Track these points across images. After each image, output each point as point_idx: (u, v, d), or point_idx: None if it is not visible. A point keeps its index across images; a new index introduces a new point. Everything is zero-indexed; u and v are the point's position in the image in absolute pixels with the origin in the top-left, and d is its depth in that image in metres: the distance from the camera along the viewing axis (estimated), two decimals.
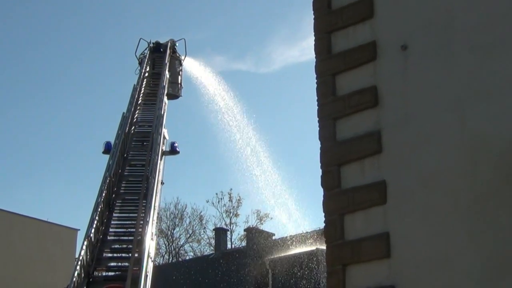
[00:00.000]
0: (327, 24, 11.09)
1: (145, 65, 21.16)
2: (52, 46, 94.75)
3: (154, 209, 15.42)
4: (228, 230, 52.80)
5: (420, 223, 9.30)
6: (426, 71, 9.87)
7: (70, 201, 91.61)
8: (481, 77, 9.22)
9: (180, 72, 22.46)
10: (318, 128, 10.76)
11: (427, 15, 10.08)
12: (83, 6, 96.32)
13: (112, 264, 15.10)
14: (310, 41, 11.65)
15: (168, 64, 21.11)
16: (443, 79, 9.60)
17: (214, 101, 24.38)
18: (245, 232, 45.57)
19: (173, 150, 17.75)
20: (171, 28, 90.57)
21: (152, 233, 14.71)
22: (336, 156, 10.38)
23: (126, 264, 14.12)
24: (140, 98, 19.47)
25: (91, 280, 13.74)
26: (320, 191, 10.71)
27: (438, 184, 9.23)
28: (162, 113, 18.04)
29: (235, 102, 26.00)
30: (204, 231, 59.47)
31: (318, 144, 10.75)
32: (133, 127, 17.97)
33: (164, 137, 17.50)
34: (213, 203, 57.21)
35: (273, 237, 39.93)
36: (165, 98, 19.46)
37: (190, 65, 23.94)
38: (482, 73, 9.24)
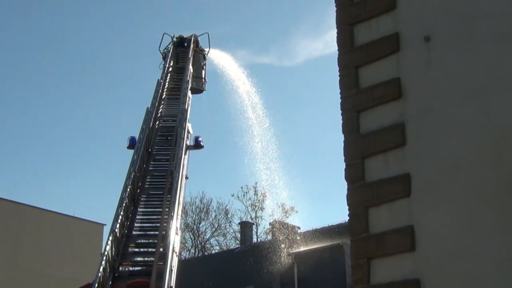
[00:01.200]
0: (349, 16, 11.09)
1: (169, 59, 21.22)
2: (74, 43, 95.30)
3: (178, 203, 15.46)
4: (253, 224, 52.95)
5: (445, 216, 9.29)
6: (449, 62, 9.83)
7: (96, 196, 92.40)
8: (505, 67, 9.18)
9: (204, 66, 22.52)
10: (341, 121, 10.77)
11: (450, 5, 10.04)
12: (107, 1, 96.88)
13: (137, 259, 15.16)
14: (334, 33, 11.66)
15: (192, 58, 21.18)
16: (467, 69, 9.58)
17: (237, 95, 24.39)
18: (271, 226, 45.67)
19: (197, 145, 17.79)
20: (194, 22, 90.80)
21: (177, 227, 14.76)
22: (359, 149, 10.37)
23: (151, 259, 14.19)
24: (164, 93, 19.54)
25: (116, 275, 13.82)
26: (345, 184, 10.74)
27: (463, 176, 9.22)
28: (186, 107, 18.10)
29: (258, 95, 26.00)
30: (229, 225, 59.74)
31: (342, 137, 10.76)
32: (158, 122, 18.05)
33: (188, 132, 17.55)
34: (238, 197, 57.43)
35: (299, 231, 39.97)
36: (189, 93, 19.52)
37: (214, 59, 23.95)
38: (506, 63, 9.20)
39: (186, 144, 16.98)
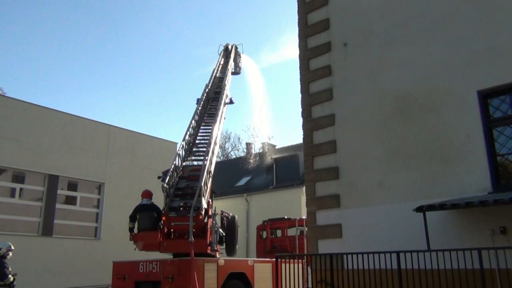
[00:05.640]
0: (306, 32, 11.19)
1: (220, 57, 21.38)
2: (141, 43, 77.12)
3: (219, 123, 15.17)
4: (252, 144, 46.86)
5: (352, 135, 9.57)
6: (357, 56, 9.79)
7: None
8: (389, 55, 9.33)
9: (240, 60, 22.45)
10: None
11: (358, 26, 10.01)
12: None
13: (194, 163, 14.82)
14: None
15: (233, 56, 21.30)
16: (366, 60, 9.64)
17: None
18: (262, 145, 42.43)
19: (231, 102, 17.99)
20: (235, 32, 79.05)
21: (216, 140, 14.33)
22: (308, 100, 10.62)
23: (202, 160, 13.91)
24: (217, 75, 19.67)
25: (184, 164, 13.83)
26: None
27: (364, 113, 9.45)
28: (226, 82, 18.24)
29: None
30: (240, 144, 53.04)
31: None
32: (212, 88, 18.09)
33: (227, 95, 17.66)
34: (245, 131, 53.85)
35: (276, 147, 36.44)
36: (229, 74, 19.66)
37: (246, 62, 23.56)
38: (391, 53, 9.32)
39: (225, 101, 17.12)
